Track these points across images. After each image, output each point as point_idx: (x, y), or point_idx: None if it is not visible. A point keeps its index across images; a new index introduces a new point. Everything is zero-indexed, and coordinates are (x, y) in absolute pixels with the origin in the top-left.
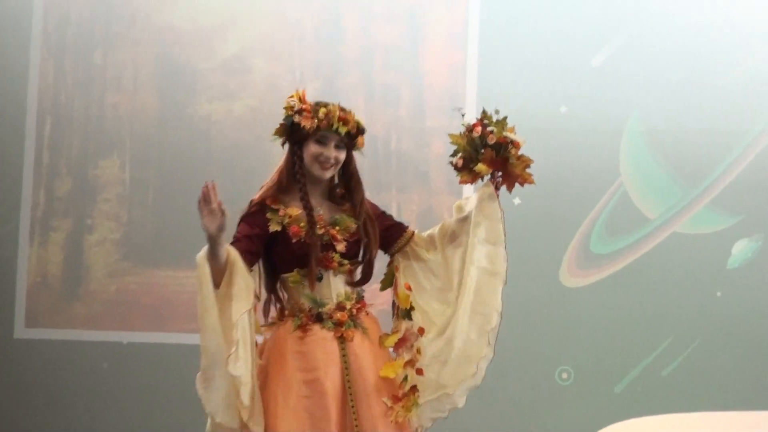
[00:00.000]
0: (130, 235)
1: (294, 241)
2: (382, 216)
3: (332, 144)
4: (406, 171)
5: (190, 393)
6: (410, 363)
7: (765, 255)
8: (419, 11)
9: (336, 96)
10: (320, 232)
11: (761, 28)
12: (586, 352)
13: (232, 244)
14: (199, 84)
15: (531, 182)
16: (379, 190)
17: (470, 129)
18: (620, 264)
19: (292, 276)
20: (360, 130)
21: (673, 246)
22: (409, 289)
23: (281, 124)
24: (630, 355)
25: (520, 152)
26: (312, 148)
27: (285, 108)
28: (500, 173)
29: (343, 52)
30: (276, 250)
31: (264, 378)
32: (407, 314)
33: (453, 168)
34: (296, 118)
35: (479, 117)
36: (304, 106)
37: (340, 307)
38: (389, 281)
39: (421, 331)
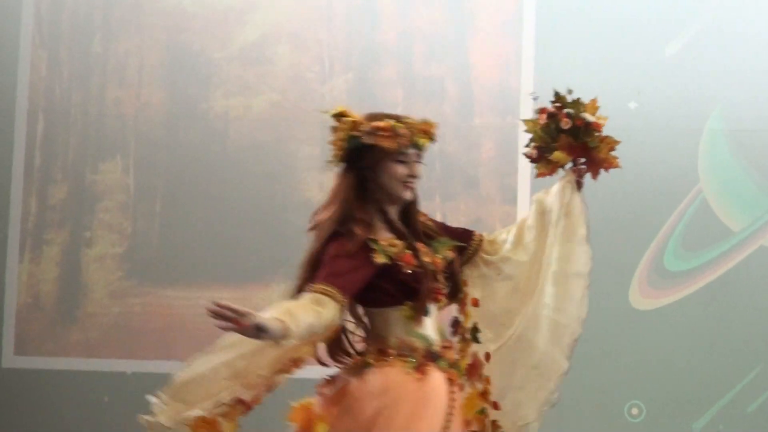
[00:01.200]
0: (134, 249)
1: (407, 271)
2: (444, 227)
3: (413, 160)
4: (452, 176)
5: None
6: (484, 395)
7: None
8: None
9: (371, 90)
10: (426, 259)
11: None
12: (660, 385)
13: (332, 280)
14: (214, 76)
15: (617, 166)
16: (421, 198)
17: (541, 114)
18: (699, 283)
19: (404, 311)
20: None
21: (761, 262)
22: (476, 305)
23: (345, 150)
24: (710, 387)
25: (602, 133)
26: (395, 169)
27: (342, 130)
28: (583, 159)
29: (379, 40)
30: (380, 284)
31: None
32: (474, 336)
33: (528, 160)
34: (366, 140)
35: (552, 99)
36: (380, 125)
37: (446, 345)
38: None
39: (488, 357)
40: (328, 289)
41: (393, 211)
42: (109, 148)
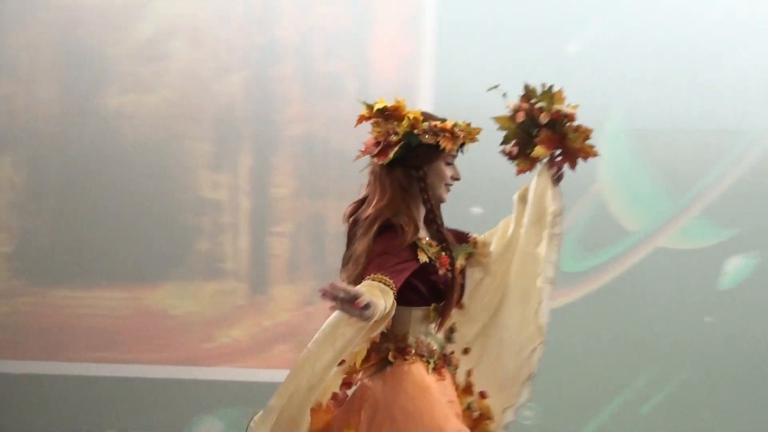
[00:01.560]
0: (23, 248)
1: (441, 273)
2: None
3: (455, 162)
4: (347, 176)
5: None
6: (467, 390)
7: (762, 275)
8: None
9: (269, 87)
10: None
11: (761, 16)
12: (553, 386)
13: (386, 273)
14: (108, 72)
15: (594, 154)
16: (315, 198)
17: (516, 111)
18: (595, 284)
19: (429, 312)
20: None
21: (657, 263)
22: (461, 308)
23: (401, 147)
24: (604, 388)
25: (575, 123)
26: (444, 170)
27: (403, 125)
28: (558, 151)
29: (277, 36)
30: (413, 283)
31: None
32: (449, 337)
33: (507, 157)
34: (427, 139)
35: (522, 94)
36: (443, 125)
37: (452, 350)
38: None
39: (467, 351)
40: (388, 279)
41: (433, 212)
42: None
